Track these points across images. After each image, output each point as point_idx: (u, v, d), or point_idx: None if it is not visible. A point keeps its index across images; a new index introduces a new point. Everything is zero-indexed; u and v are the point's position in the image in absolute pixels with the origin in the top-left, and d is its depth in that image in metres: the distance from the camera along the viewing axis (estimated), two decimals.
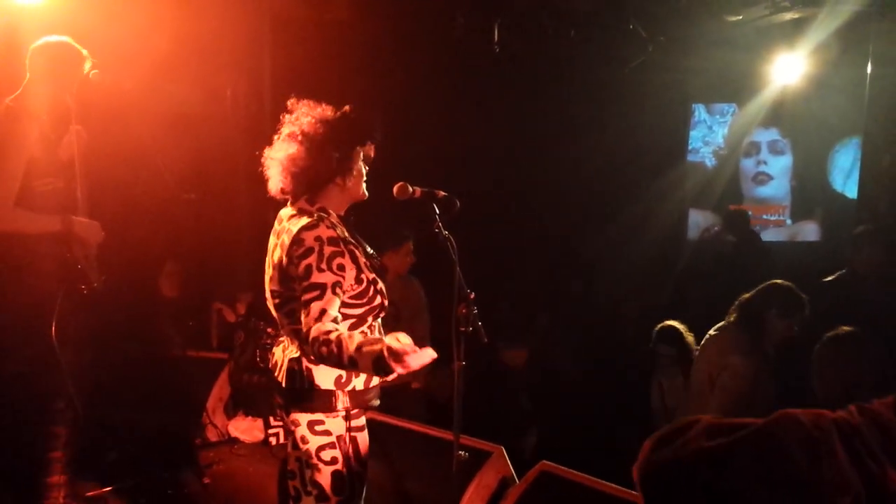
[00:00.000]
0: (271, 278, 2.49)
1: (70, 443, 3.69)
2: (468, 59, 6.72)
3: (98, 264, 3.67)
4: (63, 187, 3.50)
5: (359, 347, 2.19)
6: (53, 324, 3.45)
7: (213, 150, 5.93)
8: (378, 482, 2.67)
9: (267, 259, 2.60)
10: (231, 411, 5.14)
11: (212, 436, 4.94)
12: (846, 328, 3.51)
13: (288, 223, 2.47)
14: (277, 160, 2.48)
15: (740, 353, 3.67)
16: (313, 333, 2.27)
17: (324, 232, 2.36)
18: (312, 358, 2.36)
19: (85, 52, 3.52)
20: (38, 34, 3.48)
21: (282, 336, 2.67)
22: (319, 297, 2.30)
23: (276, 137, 2.52)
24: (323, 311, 2.29)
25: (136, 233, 4.88)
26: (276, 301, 2.48)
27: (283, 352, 2.60)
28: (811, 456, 1.06)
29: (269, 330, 2.77)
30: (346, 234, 2.49)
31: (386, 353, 2.12)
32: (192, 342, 5.34)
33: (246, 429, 5.01)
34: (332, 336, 2.24)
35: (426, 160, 5.26)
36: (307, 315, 2.30)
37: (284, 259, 2.40)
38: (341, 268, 2.36)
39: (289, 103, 2.52)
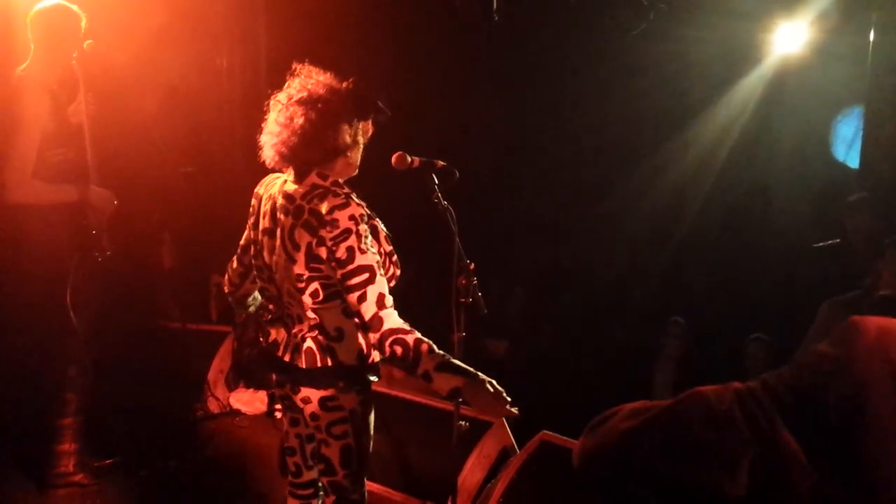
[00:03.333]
0: (296, 262, 2.35)
1: (80, 410, 3.73)
2: (467, 28, 6.64)
3: (108, 235, 3.70)
4: (74, 157, 3.55)
5: (440, 367, 2.21)
6: (68, 291, 3.51)
7: (209, 123, 5.89)
8: (379, 453, 2.68)
9: (264, 240, 2.48)
10: (232, 383, 5.15)
11: (213, 408, 4.96)
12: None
13: (304, 201, 2.34)
14: (286, 126, 2.36)
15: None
16: (387, 325, 2.26)
17: (356, 210, 2.29)
18: (375, 346, 2.33)
19: (79, 11, 3.52)
20: (34, 4, 3.49)
21: (279, 314, 2.61)
22: (371, 281, 2.27)
23: (278, 101, 2.41)
24: (381, 296, 2.28)
25: (134, 206, 4.87)
26: (301, 284, 2.37)
27: (291, 330, 2.51)
28: (713, 427, 1.12)
29: (270, 307, 2.72)
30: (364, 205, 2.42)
31: (466, 387, 2.19)
32: (192, 315, 5.33)
33: (247, 400, 5.03)
34: (410, 340, 2.24)
35: (424, 130, 5.22)
36: (363, 300, 2.26)
37: (314, 241, 2.30)
38: (373, 244, 2.33)
39: (294, 67, 2.44)
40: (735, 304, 5.77)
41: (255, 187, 2.64)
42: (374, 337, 2.29)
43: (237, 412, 4.98)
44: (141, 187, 4.90)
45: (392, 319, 2.27)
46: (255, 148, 2.48)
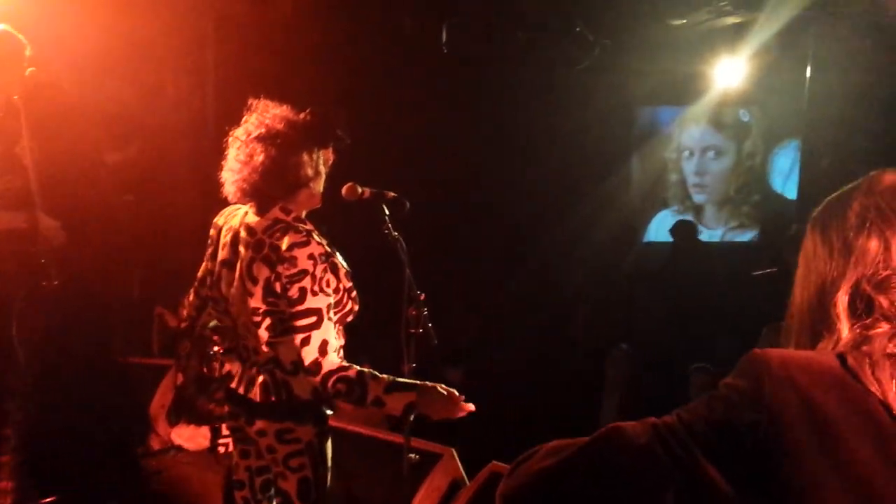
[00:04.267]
0: (253, 295, 2.34)
1: (18, 447, 3.60)
2: (416, 60, 6.69)
3: (56, 264, 3.62)
4: (20, 185, 3.48)
5: (388, 389, 2.24)
6: (14, 321, 3.45)
7: (154, 150, 5.80)
8: (327, 488, 2.63)
9: (223, 271, 2.47)
10: (174, 418, 5.00)
11: (154, 444, 4.82)
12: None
13: (265, 235, 2.33)
14: (246, 163, 2.34)
15: None
16: (325, 368, 2.26)
17: (315, 248, 2.29)
18: (318, 389, 2.33)
19: (23, 38, 3.50)
20: None
21: (232, 346, 2.58)
22: (317, 325, 2.26)
23: (236, 138, 2.40)
24: (325, 342, 2.27)
25: (77, 235, 4.76)
26: (257, 318, 2.37)
27: (247, 363, 2.49)
28: (632, 460, 1.16)
29: (215, 338, 2.68)
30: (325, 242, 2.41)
31: (419, 400, 2.24)
32: (134, 348, 5.20)
33: (189, 436, 4.87)
34: (352, 374, 2.25)
35: (373, 160, 5.21)
36: (306, 345, 2.26)
37: (272, 276, 2.30)
38: (329, 284, 2.32)
39: (250, 102, 2.42)
40: (684, 332, 5.86)
41: (201, 217, 2.62)
42: (315, 381, 2.29)
43: (179, 448, 4.83)
44: (84, 216, 4.79)
45: (329, 361, 2.27)
46: (200, 175, 2.46)
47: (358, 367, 2.29)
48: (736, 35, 6.26)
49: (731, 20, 5.90)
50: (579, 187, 8.13)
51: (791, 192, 8.30)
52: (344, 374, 2.25)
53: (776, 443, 1.08)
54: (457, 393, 2.31)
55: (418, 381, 2.30)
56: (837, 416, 1.07)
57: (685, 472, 1.12)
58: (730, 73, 6.88)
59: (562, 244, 7.64)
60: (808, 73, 5.37)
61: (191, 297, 2.77)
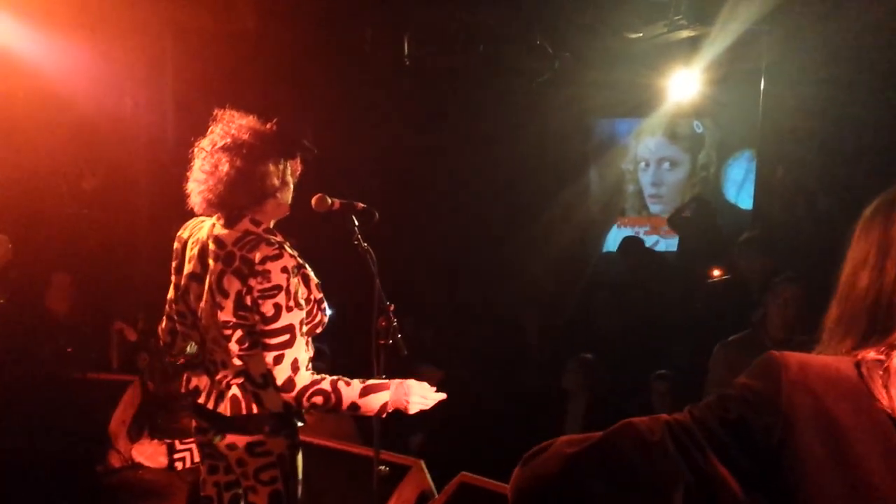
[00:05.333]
0: (223, 308, 2.29)
1: None
2: (378, 72, 6.70)
3: (1, 282, 3.52)
4: None
5: (363, 393, 2.28)
6: None
7: (112, 162, 5.72)
8: (298, 500, 2.61)
9: (191, 285, 2.42)
10: (135, 435, 4.92)
11: (115, 461, 4.72)
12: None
13: (236, 248, 2.29)
14: (212, 174, 2.31)
15: None
16: (299, 384, 2.25)
17: (288, 261, 2.26)
18: (292, 404, 2.33)
19: None
20: None
21: (199, 360, 2.55)
22: (290, 343, 2.24)
23: (202, 149, 2.36)
24: (296, 360, 2.26)
25: (31, 247, 4.65)
26: (228, 332, 2.32)
27: (215, 377, 2.45)
28: (645, 456, 1.17)
29: (175, 349, 2.63)
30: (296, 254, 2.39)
31: (393, 397, 2.30)
32: (92, 363, 5.09)
33: (151, 454, 4.81)
34: (325, 385, 2.26)
35: (335, 171, 5.21)
36: (279, 363, 2.24)
37: (244, 289, 2.25)
38: (301, 295, 2.31)
39: (216, 113, 2.39)
40: (643, 340, 5.91)
41: (161, 230, 2.58)
42: (288, 397, 2.28)
43: (140, 465, 4.75)
44: (39, 227, 4.69)
45: (302, 377, 2.28)
46: (159, 188, 2.44)
47: (329, 377, 2.29)
48: (691, 48, 6.36)
49: (686, 34, 6.00)
50: (539, 198, 8.19)
51: (745, 202, 8.44)
52: (318, 386, 2.26)
53: (788, 447, 1.08)
54: (427, 385, 2.37)
55: (387, 381, 2.35)
56: (849, 426, 1.07)
57: (696, 471, 1.13)
58: (684, 85, 6.99)
59: (521, 255, 7.68)
60: (761, 86, 5.49)
61: (164, 324, 2.70)
